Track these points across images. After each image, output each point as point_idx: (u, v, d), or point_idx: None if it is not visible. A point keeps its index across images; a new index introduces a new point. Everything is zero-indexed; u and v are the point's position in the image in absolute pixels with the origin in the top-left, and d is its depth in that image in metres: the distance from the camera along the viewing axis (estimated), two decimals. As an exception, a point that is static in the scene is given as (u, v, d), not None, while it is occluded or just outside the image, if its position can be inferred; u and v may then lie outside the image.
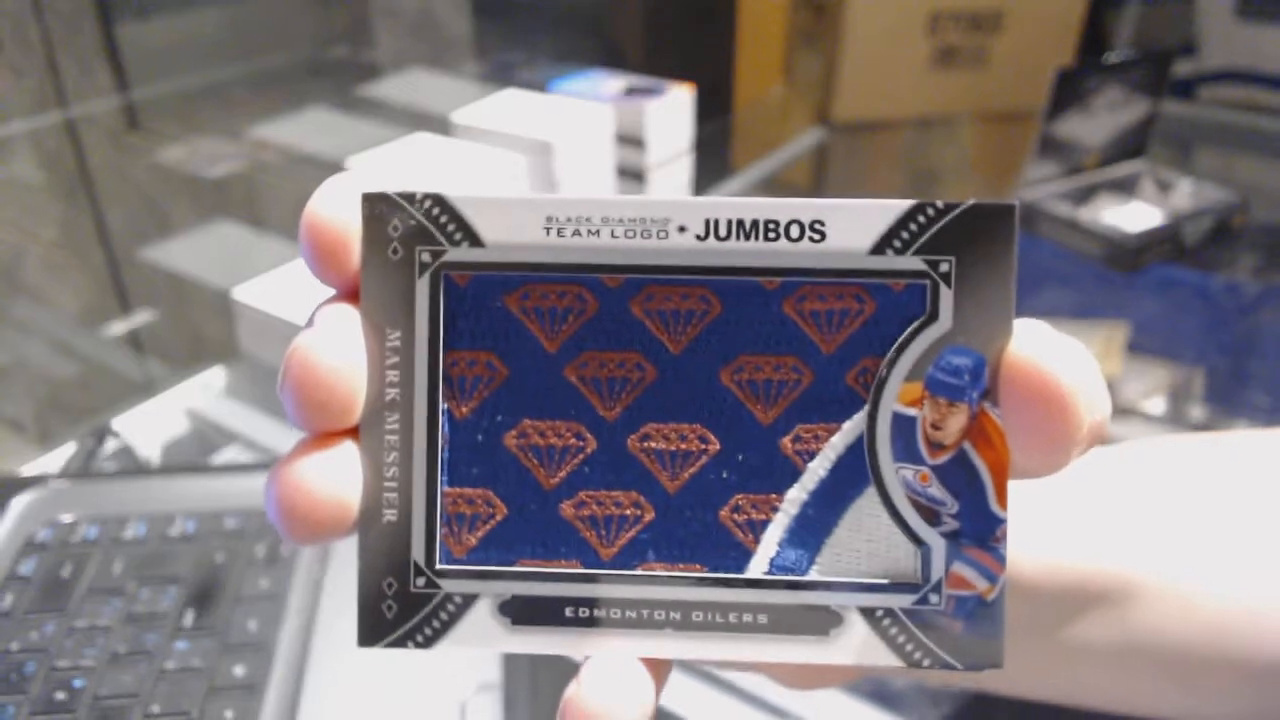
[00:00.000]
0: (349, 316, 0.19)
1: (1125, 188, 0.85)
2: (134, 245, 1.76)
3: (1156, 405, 0.65)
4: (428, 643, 0.19)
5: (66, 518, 0.46)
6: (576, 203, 0.19)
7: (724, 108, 1.20)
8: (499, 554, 0.19)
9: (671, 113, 0.82)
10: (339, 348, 0.18)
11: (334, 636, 0.41)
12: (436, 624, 0.19)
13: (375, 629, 0.19)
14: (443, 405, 0.19)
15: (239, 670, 0.39)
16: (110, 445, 0.58)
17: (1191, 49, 1.06)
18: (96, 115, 1.66)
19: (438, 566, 0.19)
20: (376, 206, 0.19)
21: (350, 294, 0.19)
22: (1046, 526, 0.25)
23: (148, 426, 0.61)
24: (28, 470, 0.55)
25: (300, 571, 0.43)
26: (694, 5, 1.31)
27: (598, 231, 0.18)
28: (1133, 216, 0.81)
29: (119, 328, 1.85)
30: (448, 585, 0.19)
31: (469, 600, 0.19)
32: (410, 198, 0.19)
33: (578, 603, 0.19)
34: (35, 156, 1.83)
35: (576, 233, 0.18)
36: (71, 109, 1.69)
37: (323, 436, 0.19)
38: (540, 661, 0.41)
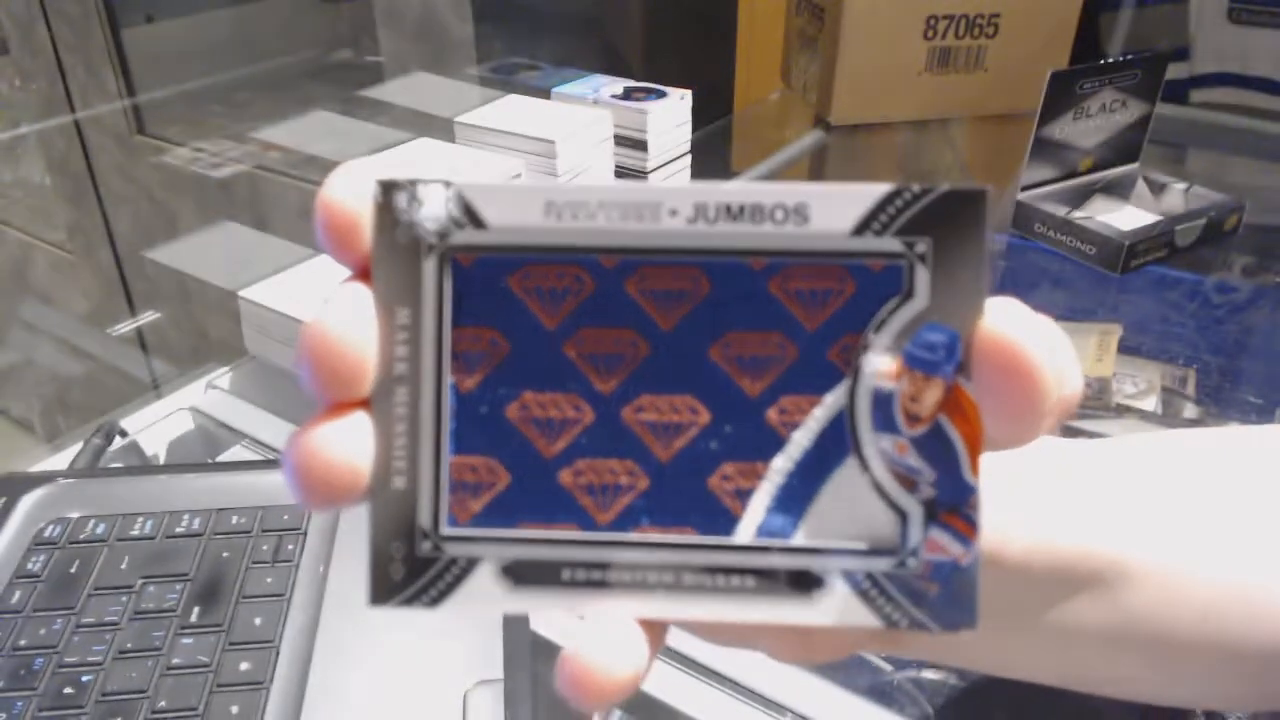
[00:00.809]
0: (361, 294, 0.19)
1: (1119, 190, 0.85)
2: (141, 246, 1.77)
3: (1149, 405, 0.65)
4: (434, 603, 0.20)
5: (74, 515, 0.46)
6: (574, 189, 0.19)
7: (723, 110, 1.20)
8: (501, 519, 0.20)
9: (671, 116, 0.83)
10: (351, 322, 0.19)
11: (337, 632, 0.42)
12: (442, 585, 0.20)
13: (385, 590, 0.20)
14: (449, 379, 0.20)
15: (244, 666, 0.39)
16: (117, 443, 0.59)
17: (1185, 52, 1.06)
18: (104, 118, 1.67)
19: (443, 531, 0.20)
20: (387, 191, 0.20)
21: (363, 273, 0.20)
22: (1038, 507, 0.25)
23: (154, 425, 0.62)
24: (36, 468, 0.56)
25: (305, 569, 0.44)
26: (693, 9, 1.32)
27: (594, 215, 0.19)
28: (1126, 218, 0.82)
29: (126, 328, 1.86)
30: (452, 549, 0.20)
31: (472, 563, 0.20)
32: (418, 184, 0.20)
33: (575, 565, 0.20)
34: (43, 159, 1.84)
35: (574, 216, 0.19)
36: (79, 112, 1.70)
37: (336, 407, 0.19)
38: (541, 656, 0.42)
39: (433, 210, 0.20)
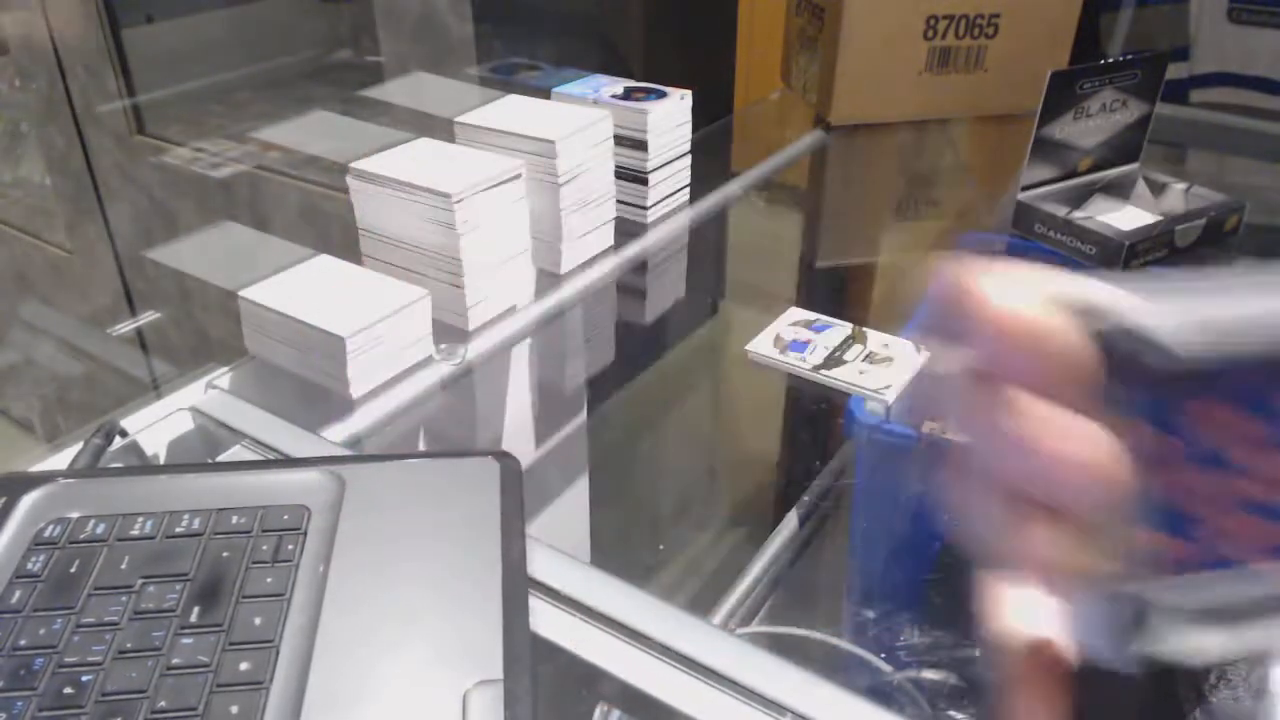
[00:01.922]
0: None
1: (1119, 190, 0.85)
2: (141, 246, 1.77)
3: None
4: None
5: (74, 515, 0.46)
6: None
7: (723, 110, 1.20)
8: None
9: (671, 116, 0.83)
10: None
11: (337, 632, 0.41)
12: None
13: None
14: None
15: (244, 666, 0.39)
16: (117, 443, 0.59)
17: (1184, 52, 1.06)
18: (104, 118, 1.67)
19: None
20: (1110, 336, 0.21)
21: (1030, 385, 0.21)
22: None
23: (154, 425, 0.62)
24: (36, 468, 0.56)
25: (305, 569, 0.44)
26: (693, 9, 1.32)
27: None
28: (1126, 218, 0.82)
29: (126, 328, 1.86)
30: None
31: None
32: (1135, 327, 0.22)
33: None
34: (43, 159, 1.84)
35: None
36: (79, 112, 1.70)
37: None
38: (541, 656, 0.42)
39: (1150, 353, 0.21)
